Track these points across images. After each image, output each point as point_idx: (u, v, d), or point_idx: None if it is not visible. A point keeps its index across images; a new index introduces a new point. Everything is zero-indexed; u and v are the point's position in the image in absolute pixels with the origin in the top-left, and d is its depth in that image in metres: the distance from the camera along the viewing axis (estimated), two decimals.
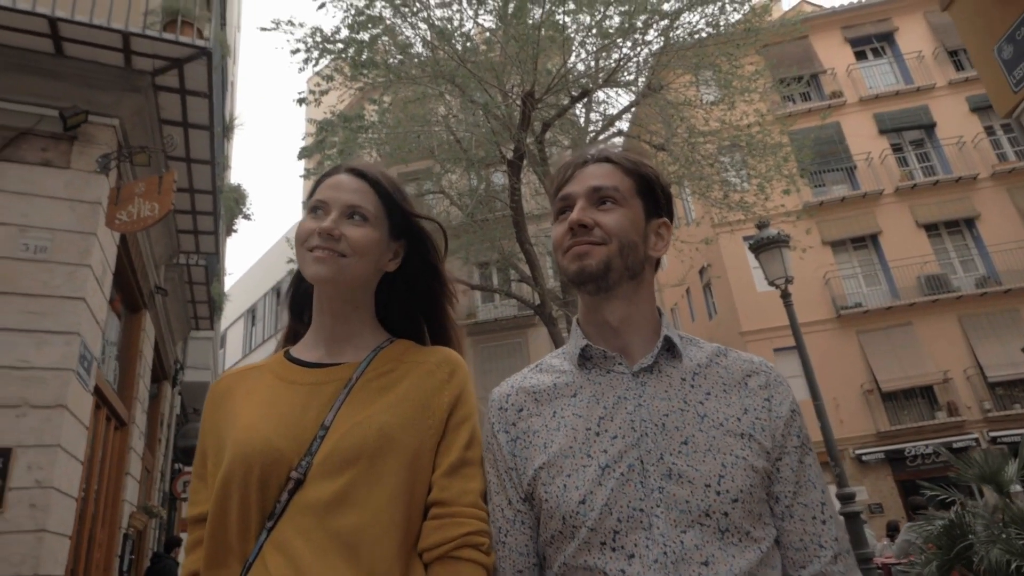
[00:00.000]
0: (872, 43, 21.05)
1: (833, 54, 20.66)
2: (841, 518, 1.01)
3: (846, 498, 6.69)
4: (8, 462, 3.81)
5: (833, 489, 7.39)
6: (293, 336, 1.33)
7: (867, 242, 18.82)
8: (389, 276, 1.30)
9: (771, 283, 8.07)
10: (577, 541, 1.01)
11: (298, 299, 1.35)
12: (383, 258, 1.24)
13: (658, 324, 1.18)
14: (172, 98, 5.49)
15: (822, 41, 20.67)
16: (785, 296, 7.86)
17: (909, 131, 19.78)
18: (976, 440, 16.19)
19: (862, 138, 19.55)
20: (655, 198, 1.21)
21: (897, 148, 19.67)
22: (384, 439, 1.07)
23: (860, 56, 20.97)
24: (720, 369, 1.13)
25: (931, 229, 18.47)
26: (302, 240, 1.17)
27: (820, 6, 22.47)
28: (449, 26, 9.92)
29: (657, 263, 1.23)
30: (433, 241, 1.32)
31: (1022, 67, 3.54)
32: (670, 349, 1.14)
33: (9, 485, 3.79)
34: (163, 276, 7.74)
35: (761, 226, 8.36)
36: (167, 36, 4.95)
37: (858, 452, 16.59)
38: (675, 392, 1.09)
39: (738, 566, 0.96)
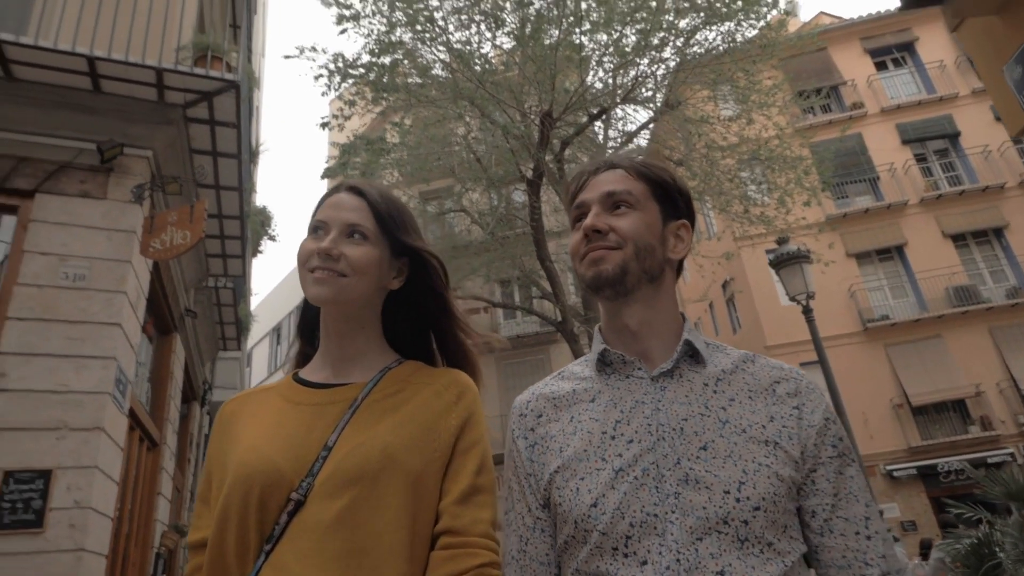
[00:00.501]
0: (892, 53, 20.93)
1: (853, 65, 20.57)
2: (891, 536, 1.13)
3: None
4: (49, 483, 3.96)
5: None
6: (303, 359, 1.31)
7: (893, 253, 18.61)
8: (396, 294, 1.28)
9: (792, 299, 8.05)
10: (589, 546, 0.99)
11: (307, 322, 1.33)
12: (386, 276, 1.23)
13: (680, 329, 1.16)
14: (202, 129, 5.70)
15: (841, 52, 20.61)
16: (807, 312, 7.84)
17: (933, 141, 19.58)
18: (1012, 455, 15.83)
19: (885, 149, 19.39)
20: (672, 201, 1.20)
21: (921, 158, 19.48)
22: (387, 460, 1.05)
23: (880, 67, 20.85)
24: (746, 375, 1.10)
25: (958, 239, 18.21)
26: (303, 261, 1.16)
27: (839, 17, 22.42)
28: (467, 48, 10.11)
29: (680, 267, 1.22)
30: (436, 259, 1.29)
31: None
32: (693, 355, 1.12)
33: (50, 505, 3.94)
34: (192, 299, 7.95)
35: (781, 241, 8.36)
36: (198, 71, 5.15)
37: (889, 468, 16.31)
38: (696, 397, 1.07)
39: None
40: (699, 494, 0.96)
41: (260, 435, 1.11)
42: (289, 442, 1.08)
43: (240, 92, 5.37)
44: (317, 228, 1.18)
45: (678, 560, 0.92)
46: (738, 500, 0.95)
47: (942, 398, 16.61)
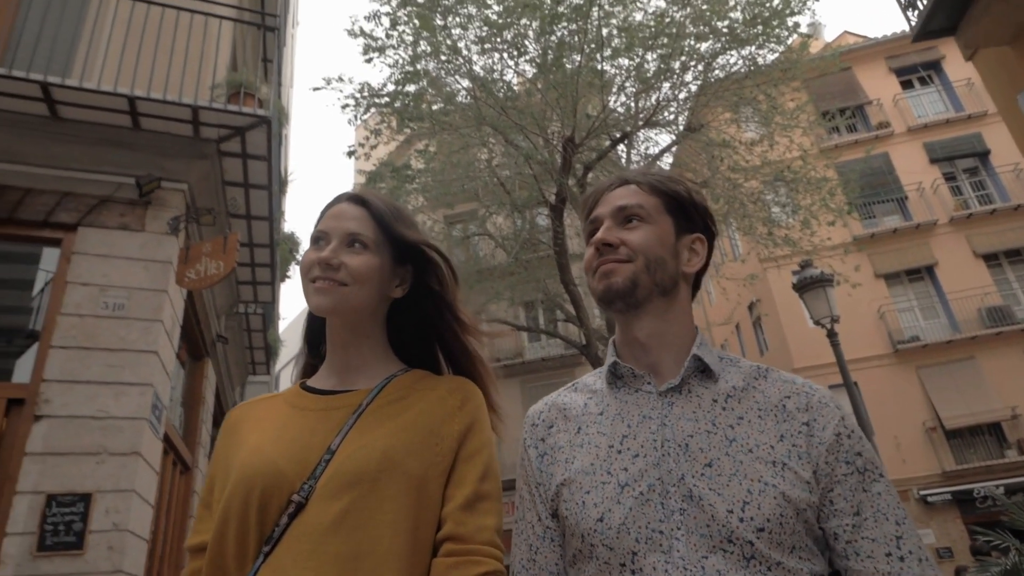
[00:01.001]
0: (918, 72, 20.79)
1: (878, 84, 20.47)
2: (931, 557, 0.95)
3: None
4: (89, 506, 4.12)
5: None
6: (310, 370, 1.32)
7: (923, 274, 18.34)
8: (400, 303, 1.28)
9: (816, 322, 8.03)
10: (597, 561, 0.99)
11: (313, 333, 1.33)
12: (388, 285, 1.23)
13: (691, 344, 1.14)
14: (234, 162, 5.92)
15: (866, 72, 20.53)
16: (831, 335, 7.82)
17: (962, 159, 19.35)
18: None
19: (912, 168, 19.21)
20: (686, 214, 1.20)
21: (950, 177, 19.25)
22: (387, 463, 1.04)
23: (906, 85, 20.72)
24: (757, 393, 1.08)
25: (990, 259, 17.91)
26: (305, 272, 1.17)
27: (864, 36, 22.36)
28: (490, 77, 10.32)
29: (697, 281, 1.23)
30: (441, 265, 1.28)
31: None
32: (704, 370, 1.11)
33: (89, 528, 4.10)
34: (223, 325, 8.17)
35: (804, 265, 8.36)
36: (231, 108, 5.38)
37: (923, 493, 15.95)
38: (703, 414, 1.05)
39: None
40: (702, 512, 0.95)
41: (264, 438, 1.11)
42: (292, 445, 1.08)
43: (271, 127, 5.58)
44: (319, 239, 1.19)
45: None
46: (741, 520, 0.93)
47: (977, 421, 16.25)
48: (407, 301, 1.28)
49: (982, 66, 4.24)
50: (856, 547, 0.95)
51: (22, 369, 4.76)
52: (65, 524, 4.01)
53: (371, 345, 1.23)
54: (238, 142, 5.70)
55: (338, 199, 1.24)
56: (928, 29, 3.98)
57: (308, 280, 1.16)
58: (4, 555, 3.89)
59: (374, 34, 9.77)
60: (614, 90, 11.03)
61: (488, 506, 1.10)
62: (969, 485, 15.73)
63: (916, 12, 4.04)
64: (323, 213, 1.23)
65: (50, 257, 5.12)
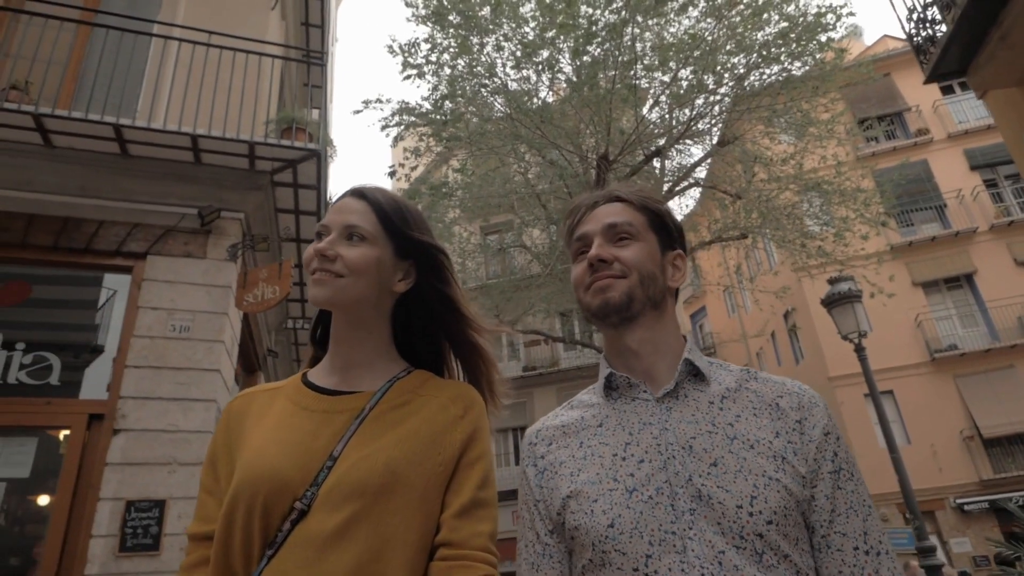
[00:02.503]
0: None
1: (918, 90, 20.23)
2: (892, 551, 1.03)
3: (926, 551, 6.72)
4: (163, 512, 4.57)
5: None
6: (316, 364, 1.31)
7: (961, 282, 18.18)
8: (406, 300, 1.28)
9: (844, 337, 8.19)
10: (610, 569, 0.99)
11: (322, 329, 1.33)
12: (390, 278, 1.23)
13: (682, 350, 1.18)
14: (286, 191, 6.37)
15: (905, 79, 20.33)
16: (859, 350, 7.97)
17: (1003, 166, 19.07)
18: None
19: (952, 175, 19.03)
20: (668, 232, 1.24)
21: (991, 184, 19.01)
22: (390, 474, 1.05)
23: (947, 91, 20.46)
24: (750, 393, 1.11)
25: None
26: (306, 264, 1.18)
27: (904, 40, 22.10)
28: (525, 96, 10.64)
29: (677, 293, 1.26)
30: (445, 260, 1.29)
31: None
32: (696, 374, 1.14)
33: (164, 531, 4.55)
34: (273, 340, 8.66)
35: (834, 280, 8.51)
36: (284, 142, 5.81)
37: (959, 501, 15.84)
38: (702, 415, 1.08)
39: None
40: (713, 510, 0.97)
41: (266, 439, 1.11)
42: (295, 449, 1.07)
43: (321, 160, 6.01)
44: (320, 233, 1.20)
45: (702, 575, 0.93)
46: (751, 514, 0.95)
47: (1016, 430, 16.09)
48: (413, 298, 1.28)
49: (993, 105, 4.43)
50: (828, 540, 0.99)
51: (90, 381, 5.25)
52: (143, 527, 4.47)
53: (374, 342, 1.23)
54: (290, 173, 6.14)
55: (343, 194, 1.26)
56: (939, 72, 4.20)
57: (309, 273, 1.17)
58: (91, 555, 4.37)
59: (414, 60, 10.15)
60: (647, 105, 11.23)
61: (484, 513, 1.10)
62: (1007, 494, 15.56)
63: (927, 56, 4.27)
64: (329, 209, 1.25)
65: (123, 284, 5.60)
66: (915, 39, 4.37)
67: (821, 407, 1.09)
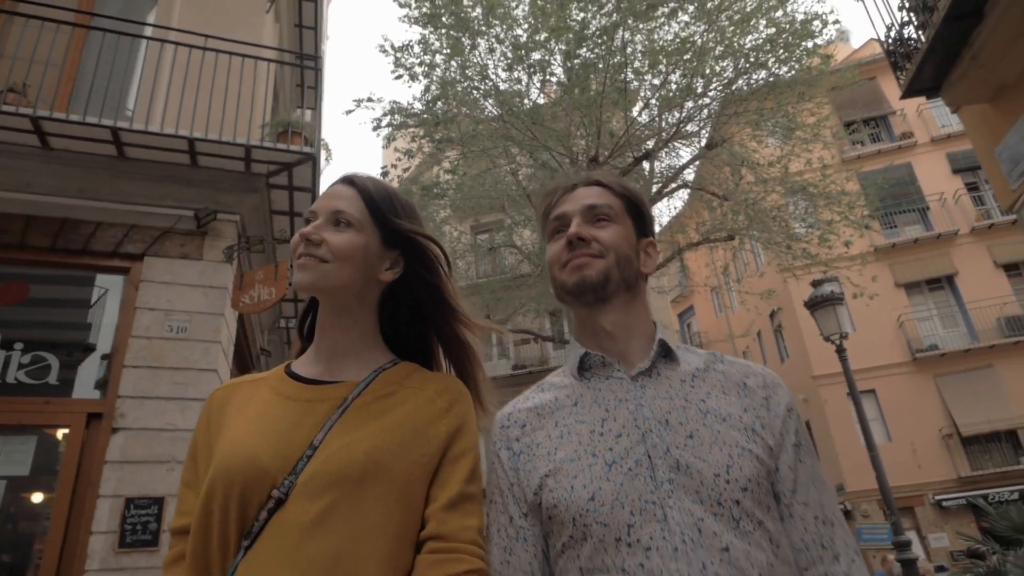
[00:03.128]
0: None
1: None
2: (844, 521, 1.11)
3: (902, 546, 6.94)
4: (162, 508, 4.68)
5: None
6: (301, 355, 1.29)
7: (943, 283, 18.52)
8: (395, 291, 1.27)
9: (826, 339, 8.39)
10: (592, 541, 1.00)
11: (310, 322, 1.30)
12: (376, 266, 1.22)
13: (654, 332, 1.21)
14: (282, 194, 6.46)
15: (890, 82, 20.55)
16: (840, 351, 8.17)
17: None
18: None
19: (935, 178, 19.35)
20: (643, 219, 1.27)
21: (972, 187, 19.35)
22: (371, 464, 1.03)
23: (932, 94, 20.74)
24: (718, 373, 1.15)
25: (1010, 269, 18.05)
26: (292, 250, 1.18)
27: None
28: (516, 97, 10.74)
29: (646, 280, 1.28)
30: (434, 252, 1.27)
31: (1015, 169, 3.99)
32: (667, 355, 1.17)
33: (163, 528, 4.65)
34: (267, 339, 8.75)
35: (818, 283, 8.70)
36: (280, 146, 5.91)
37: (938, 498, 16.18)
38: (675, 392, 1.11)
39: (754, 555, 0.96)
40: (691, 479, 1.00)
41: (245, 428, 1.09)
42: (274, 438, 1.06)
43: (316, 163, 6.11)
44: (309, 219, 1.20)
45: (684, 541, 0.95)
46: (727, 482, 0.99)
47: (993, 428, 16.46)
48: (401, 289, 1.27)
49: (966, 120, 4.61)
50: (792, 510, 1.05)
51: (88, 380, 5.34)
52: (142, 524, 4.57)
53: (360, 331, 1.21)
54: (285, 176, 6.23)
55: (333, 183, 1.26)
56: (915, 88, 4.38)
57: (295, 257, 1.17)
58: (90, 551, 4.47)
59: (406, 62, 10.24)
60: (637, 108, 11.37)
61: (472, 507, 1.09)
62: (984, 491, 15.91)
63: (904, 72, 4.44)
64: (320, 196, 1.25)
65: (109, 280, 5.68)
66: (892, 57, 4.54)
67: (784, 387, 1.16)
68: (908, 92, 4.43)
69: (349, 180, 1.24)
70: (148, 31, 6.34)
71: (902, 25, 4.31)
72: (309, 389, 1.14)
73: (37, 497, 5.04)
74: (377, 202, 1.21)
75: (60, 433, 5.01)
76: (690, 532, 0.95)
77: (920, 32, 4.18)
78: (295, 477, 1.01)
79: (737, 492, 0.99)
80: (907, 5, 4.22)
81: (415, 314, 1.30)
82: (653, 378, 1.14)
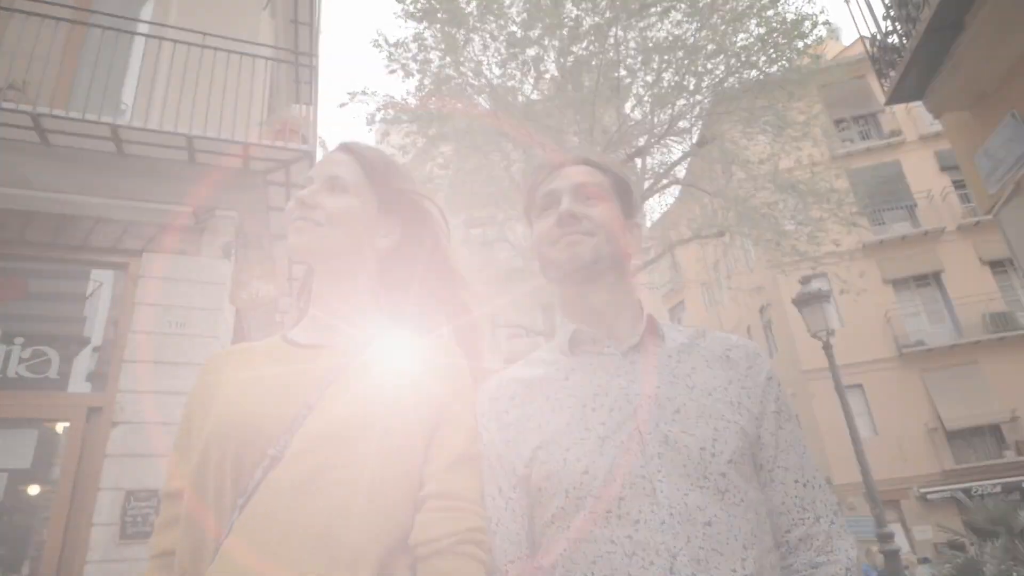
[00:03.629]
0: None
1: None
2: (826, 484, 1.17)
3: (884, 538, 7.12)
4: (161, 501, 4.77)
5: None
6: None
7: (930, 280, 18.75)
8: (395, 259, 1.27)
9: (814, 335, 8.55)
10: (583, 513, 1.02)
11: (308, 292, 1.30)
12: (371, 232, 1.22)
13: (640, 310, 1.23)
14: (279, 190, 6.52)
15: None
16: (827, 347, 8.33)
17: None
18: None
19: (923, 176, 19.54)
20: (629, 200, 1.28)
21: (960, 185, 19.53)
22: (367, 425, 1.02)
23: None
24: (701, 348, 1.18)
25: (996, 266, 18.28)
26: (288, 214, 1.17)
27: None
28: (510, 93, 10.82)
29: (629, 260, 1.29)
30: (432, 218, 1.28)
31: (993, 175, 4.12)
32: (654, 332, 1.20)
33: None
34: (265, 334, 8.83)
35: (805, 280, 8.86)
36: (277, 144, 5.98)
37: (923, 491, 16.45)
38: (664, 367, 1.14)
39: (738, 526, 0.98)
40: (679, 453, 1.02)
41: (240, 390, 1.09)
42: (270, 398, 1.06)
43: (313, 160, 6.19)
44: (305, 185, 1.20)
45: (671, 514, 0.98)
46: (713, 455, 1.02)
47: (977, 423, 16.74)
48: (402, 256, 1.27)
49: (948, 126, 4.75)
50: (773, 475, 1.09)
51: (87, 375, 5.43)
52: (142, 516, 4.67)
53: (360, 298, 1.21)
54: (283, 173, 6.30)
55: (331, 150, 1.26)
56: (899, 95, 4.51)
57: (290, 221, 1.16)
58: (92, 542, 4.56)
59: (400, 58, 10.29)
60: (630, 105, 11.46)
61: (473, 468, 1.10)
62: (968, 484, 16.20)
63: (888, 80, 4.57)
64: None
65: (108, 276, 5.76)
66: (877, 64, 4.67)
67: (764, 357, 1.20)
68: (892, 99, 4.55)
69: (346, 147, 1.25)
70: (145, 28, 6.38)
71: (886, 34, 4.44)
72: (304, 352, 1.15)
73: (38, 490, 5.12)
74: (374, 165, 1.23)
75: (60, 427, 5.10)
76: (678, 505, 0.98)
77: (904, 40, 4.30)
78: (290, 436, 1.01)
79: (723, 465, 1.01)
80: (891, 15, 4.35)
81: (414, 282, 1.29)
82: (641, 354, 1.16)
